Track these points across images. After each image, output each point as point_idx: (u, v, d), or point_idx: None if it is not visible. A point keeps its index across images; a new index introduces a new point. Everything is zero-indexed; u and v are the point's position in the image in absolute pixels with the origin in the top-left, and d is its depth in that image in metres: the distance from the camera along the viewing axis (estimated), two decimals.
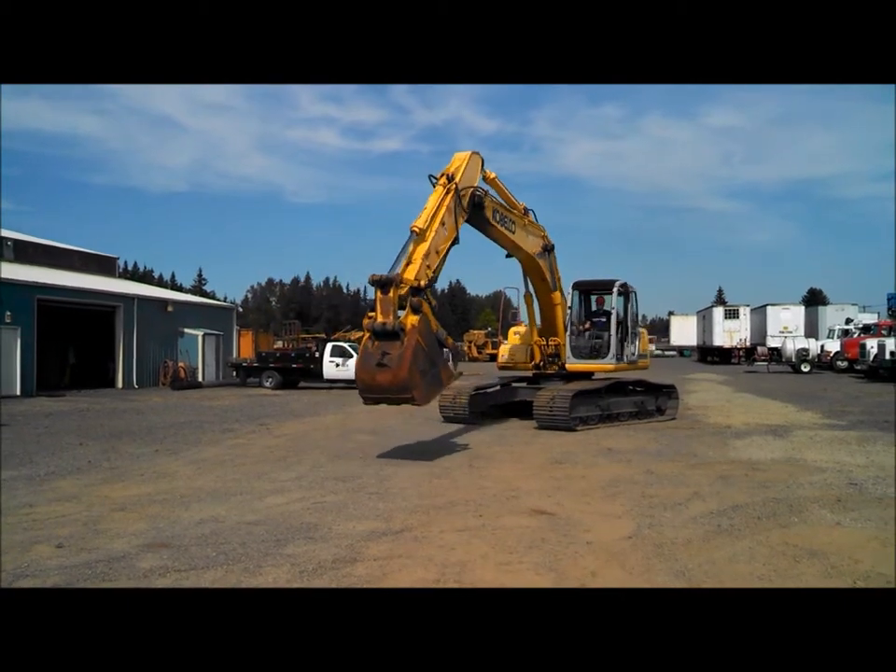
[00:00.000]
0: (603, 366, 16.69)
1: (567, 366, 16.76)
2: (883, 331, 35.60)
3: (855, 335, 39.99)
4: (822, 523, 7.38)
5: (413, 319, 10.78)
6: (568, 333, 16.83)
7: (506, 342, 18.51)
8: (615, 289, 16.85)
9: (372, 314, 10.78)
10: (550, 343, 17.02)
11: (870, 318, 47.07)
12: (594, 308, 17.80)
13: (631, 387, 16.99)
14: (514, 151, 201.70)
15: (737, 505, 8.11)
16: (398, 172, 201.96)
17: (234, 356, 38.77)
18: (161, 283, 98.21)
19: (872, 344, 33.00)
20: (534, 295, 17.03)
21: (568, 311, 17.02)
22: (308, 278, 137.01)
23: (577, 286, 17.41)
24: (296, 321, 53.41)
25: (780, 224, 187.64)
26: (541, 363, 17.15)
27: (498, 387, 17.50)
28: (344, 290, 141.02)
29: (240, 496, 8.93)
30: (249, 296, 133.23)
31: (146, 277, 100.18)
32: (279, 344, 48.05)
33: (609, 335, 16.52)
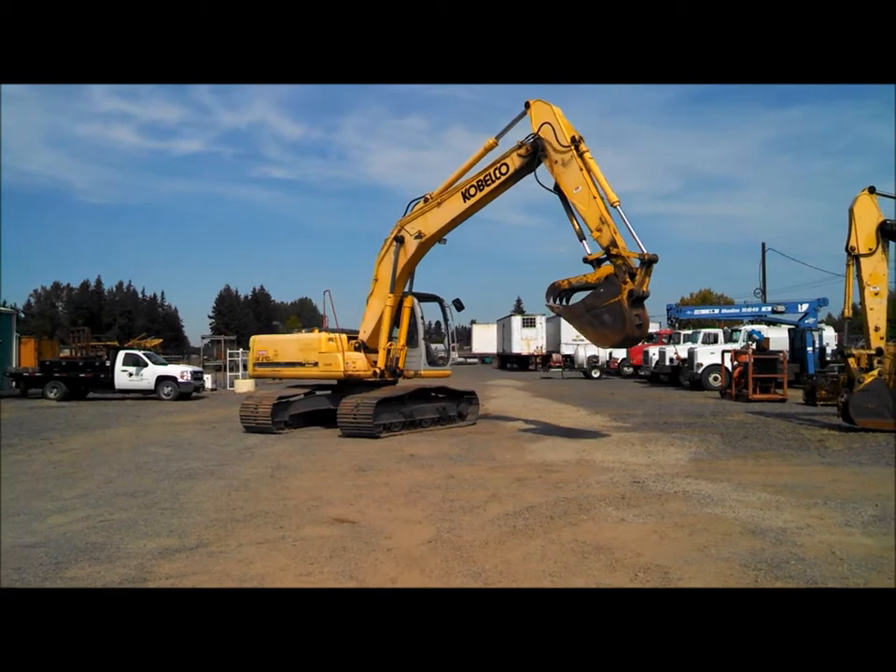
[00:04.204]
0: (444, 372, 17.74)
1: (422, 372, 17.02)
2: (663, 339, 38.74)
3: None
4: (608, 519, 7.85)
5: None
6: (424, 341, 17.21)
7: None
8: (451, 302, 17.73)
9: (628, 281, 12.74)
10: (398, 348, 16.95)
11: (652, 327, 50.86)
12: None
13: (433, 394, 17.30)
14: (322, 158, 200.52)
15: (532, 506, 8.45)
16: (200, 174, 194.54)
17: (14, 365, 35.70)
18: None
19: (654, 352, 35.82)
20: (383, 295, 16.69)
21: (421, 319, 17.24)
22: (99, 282, 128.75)
23: (415, 296, 17.33)
24: (85, 328, 50.28)
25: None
26: (386, 370, 16.76)
27: (302, 396, 17.21)
28: (139, 295, 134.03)
29: (16, 516, 8.21)
30: (32, 300, 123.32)
31: None
32: (66, 352, 45.03)
33: (449, 344, 17.91)
